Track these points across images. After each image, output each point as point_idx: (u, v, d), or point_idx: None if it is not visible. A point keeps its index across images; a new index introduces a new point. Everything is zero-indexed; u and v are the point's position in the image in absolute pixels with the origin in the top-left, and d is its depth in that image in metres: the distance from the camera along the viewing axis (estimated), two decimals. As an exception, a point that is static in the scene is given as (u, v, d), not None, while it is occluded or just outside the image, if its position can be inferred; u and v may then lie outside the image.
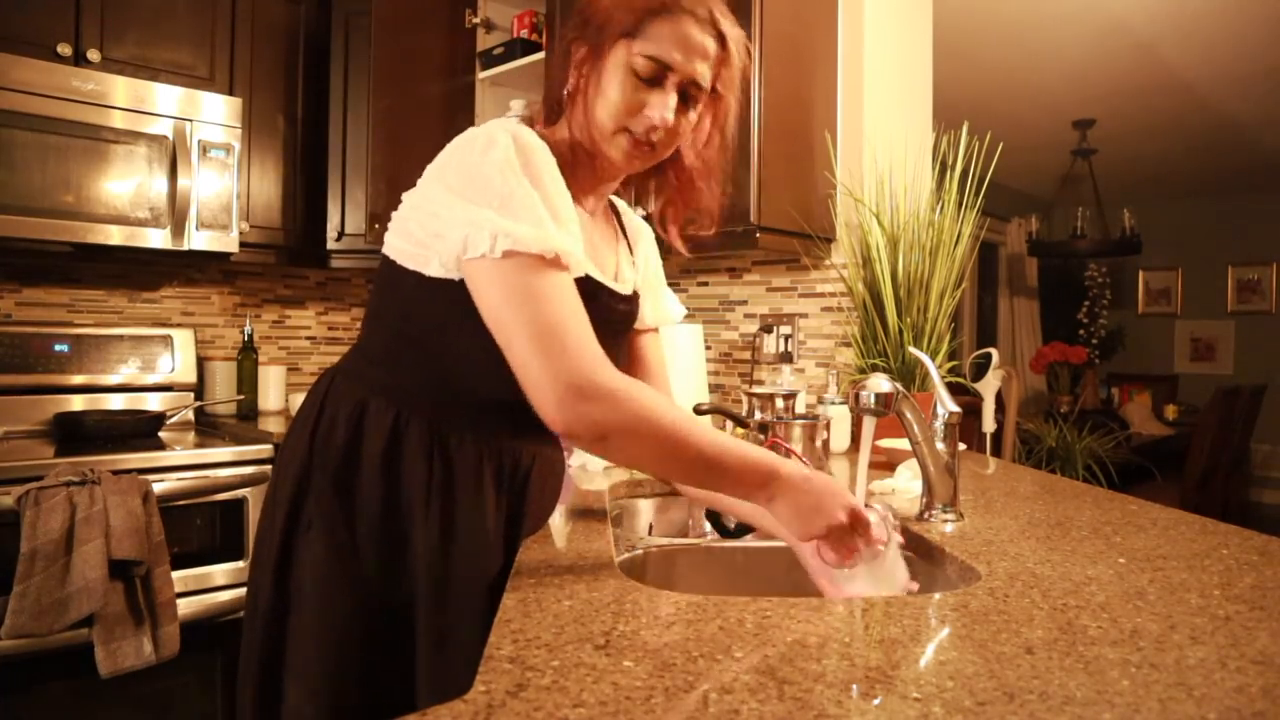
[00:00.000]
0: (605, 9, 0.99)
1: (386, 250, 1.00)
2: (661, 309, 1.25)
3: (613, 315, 1.08)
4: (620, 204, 1.23)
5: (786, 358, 2.30)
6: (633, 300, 1.15)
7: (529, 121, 1.04)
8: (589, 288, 0.98)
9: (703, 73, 1.00)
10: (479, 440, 1.00)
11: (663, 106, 0.98)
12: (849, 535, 0.94)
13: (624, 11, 0.98)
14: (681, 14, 0.98)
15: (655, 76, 0.97)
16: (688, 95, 1.00)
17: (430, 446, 0.98)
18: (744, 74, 1.07)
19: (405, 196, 1.00)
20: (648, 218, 1.20)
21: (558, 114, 1.06)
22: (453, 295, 0.93)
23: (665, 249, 1.22)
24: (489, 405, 0.99)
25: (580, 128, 1.02)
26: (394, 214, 1.02)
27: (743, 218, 1.99)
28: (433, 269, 0.94)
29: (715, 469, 0.91)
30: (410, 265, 0.96)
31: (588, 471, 1.61)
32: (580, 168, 1.05)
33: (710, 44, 0.99)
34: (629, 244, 1.20)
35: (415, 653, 0.96)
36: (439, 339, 0.98)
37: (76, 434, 2.27)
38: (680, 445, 0.89)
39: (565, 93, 1.04)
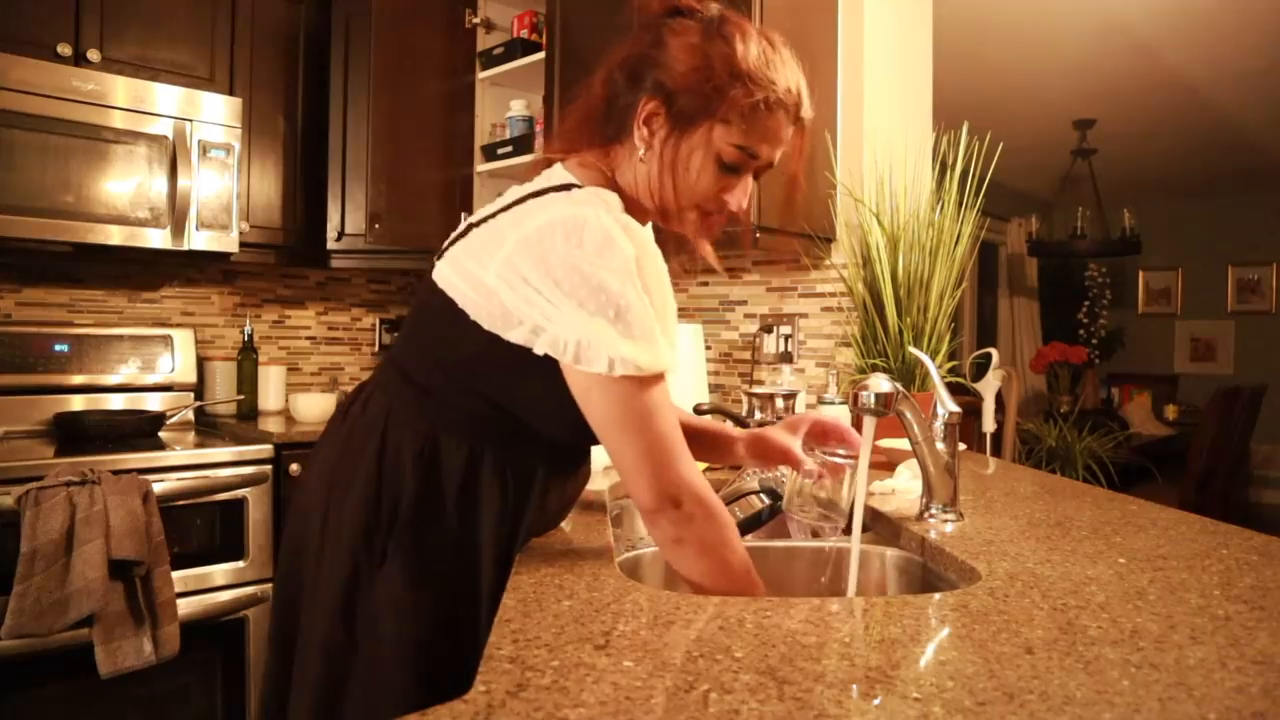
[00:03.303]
0: (694, 85, 0.94)
1: (446, 288, 0.96)
2: None
3: None
4: None
5: (786, 358, 2.30)
6: None
7: (606, 177, 1.01)
8: None
9: (780, 154, 1.01)
10: (548, 472, 1.03)
11: (744, 194, 0.99)
12: None
13: (720, 100, 0.94)
14: (778, 107, 0.96)
15: (741, 164, 0.97)
16: (758, 174, 1.01)
17: (504, 480, 1.00)
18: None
19: (481, 244, 0.95)
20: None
21: (605, 147, 1.03)
22: (530, 361, 0.91)
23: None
24: (559, 443, 1.02)
25: (648, 191, 1.00)
26: (455, 253, 0.98)
27: (742, 217, 1.99)
28: (514, 337, 0.91)
29: (743, 588, 0.94)
30: (484, 323, 0.92)
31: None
32: (639, 211, 1.02)
33: (790, 129, 0.99)
34: None
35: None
36: (508, 390, 0.97)
37: (76, 434, 2.27)
38: (735, 583, 0.93)
39: (620, 135, 1.00)
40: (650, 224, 1.09)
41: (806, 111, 0.99)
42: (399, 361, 1.04)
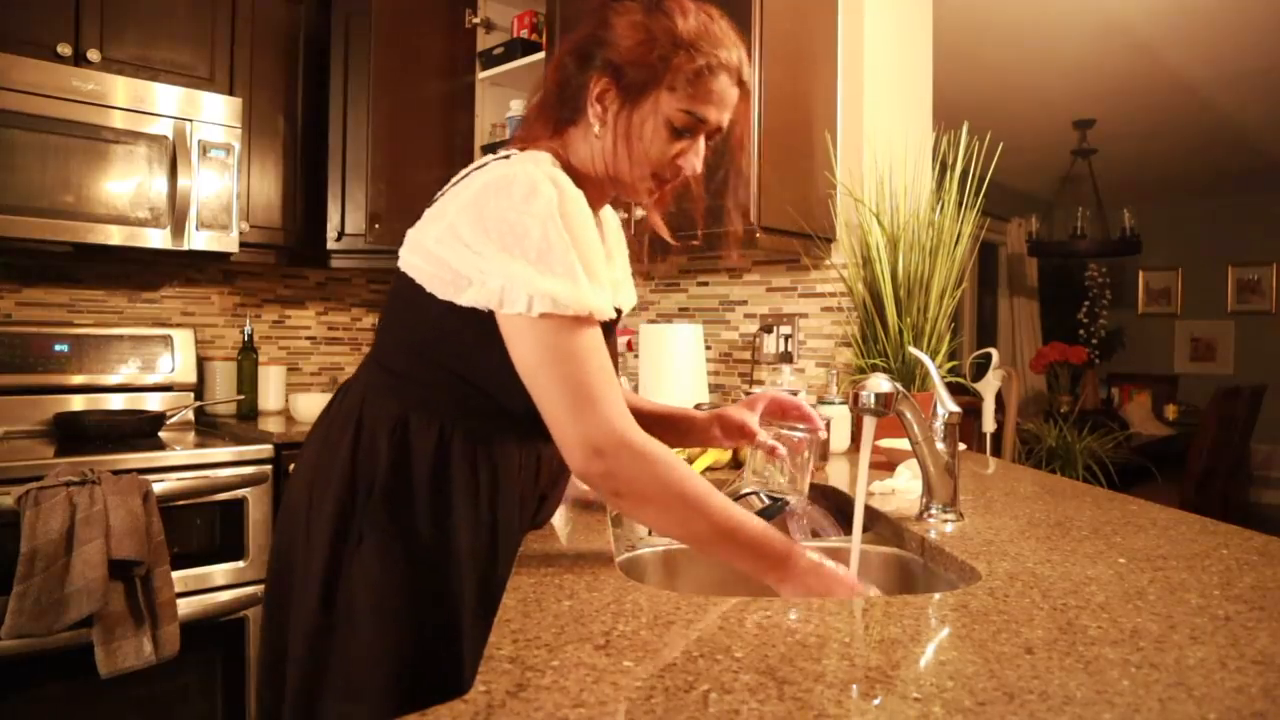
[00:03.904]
0: (640, 58, 0.99)
1: (406, 269, 1.00)
2: (627, 295, 1.24)
3: (613, 320, 1.10)
4: None
5: (786, 358, 2.30)
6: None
7: (558, 156, 1.04)
8: (614, 317, 1.01)
9: (728, 119, 1.05)
10: (520, 446, 1.04)
11: (696, 157, 1.03)
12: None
13: (665, 68, 0.99)
14: (720, 70, 1.01)
15: (690, 128, 1.01)
16: (709, 137, 1.05)
17: (475, 456, 1.01)
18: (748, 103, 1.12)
19: (429, 221, 1.00)
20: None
21: (559, 130, 1.07)
22: (486, 325, 0.94)
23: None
24: (526, 415, 1.00)
25: (605, 163, 1.04)
26: (411, 234, 1.02)
27: (743, 217, 1.99)
28: (465, 300, 0.94)
29: (726, 542, 0.92)
30: (439, 293, 0.96)
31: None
32: (594, 188, 1.07)
33: (735, 92, 1.03)
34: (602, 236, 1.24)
35: (462, 659, 0.98)
36: (471, 361, 0.99)
37: (76, 434, 2.27)
38: (692, 515, 0.91)
39: (574, 116, 1.05)
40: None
41: (747, 76, 1.05)
42: (375, 352, 1.08)
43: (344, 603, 0.98)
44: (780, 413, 1.23)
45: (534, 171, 0.93)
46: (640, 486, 0.90)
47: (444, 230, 0.95)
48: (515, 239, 0.90)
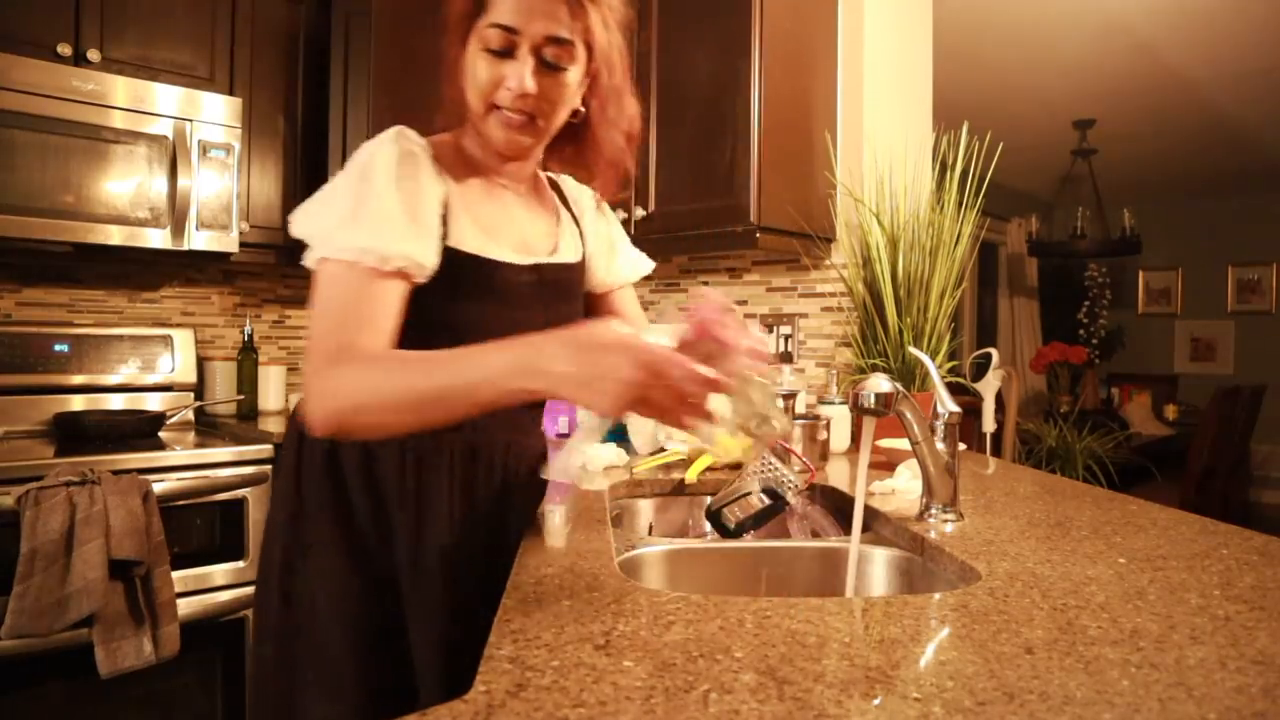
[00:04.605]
0: None
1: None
2: (616, 269, 1.30)
3: (533, 287, 1.11)
4: (563, 179, 1.28)
5: (786, 358, 2.30)
6: (574, 268, 1.20)
7: (451, 141, 1.08)
8: (478, 266, 1.03)
9: (558, 29, 0.99)
10: (442, 440, 1.05)
11: (519, 75, 0.99)
12: (674, 391, 0.74)
13: None
14: None
15: (508, 46, 0.98)
16: (552, 58, 1.00)
17: (401, 446, 1.03)
18: (622, 17, 1.07)
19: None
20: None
21: (460, 116, 1.09)
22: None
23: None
24: None
25: (454, 115, 1.06)
26: None
27: (743, 218, 1.99)
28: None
29: (454, 399, 0.83)
30: None
31: (588, 472, 1.61)
32: (482, 155, 1.10)
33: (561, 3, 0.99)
34: (573, 215, 1.25)
35: (409, 640, 1.01)
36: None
37: (76, 434, 2.27)
38: (400, 406, 0.85)
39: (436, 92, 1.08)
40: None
41: None
42: None
43: (303, 607, 1.02)
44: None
45: (379, 137, 1.01)
46: (337, 418, 0.86)
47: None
48: (326, 195, 0.99)
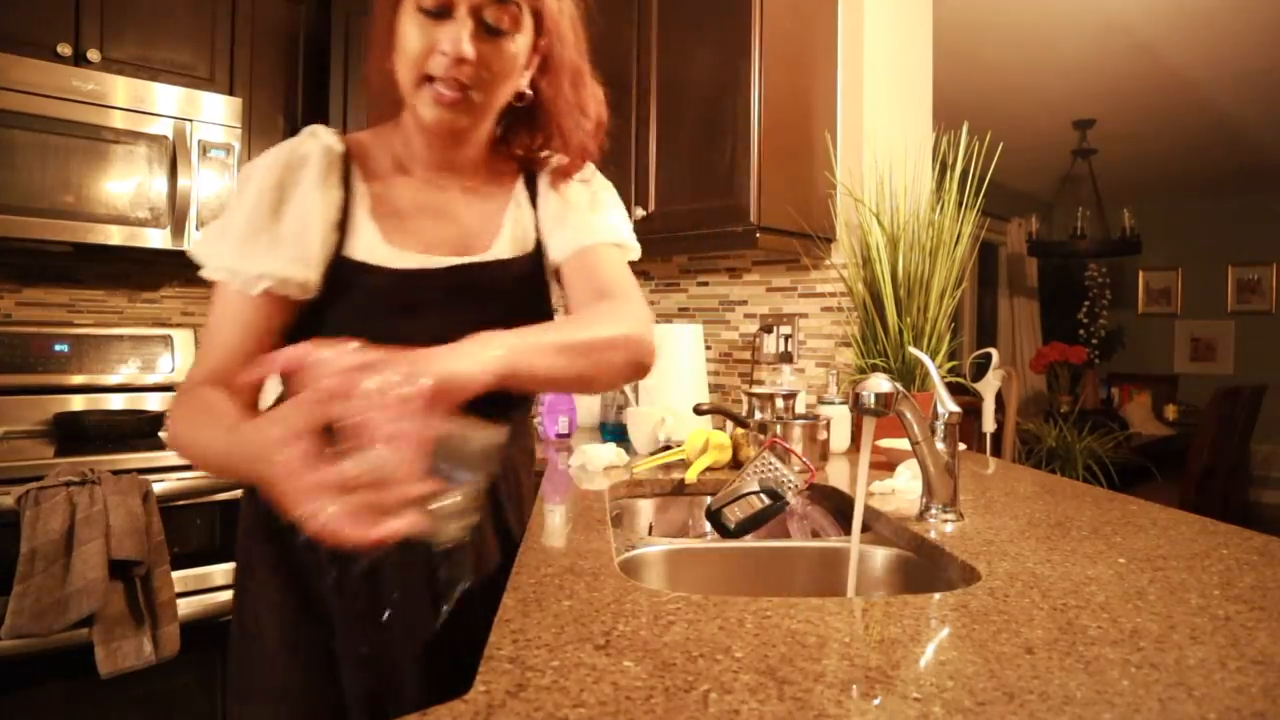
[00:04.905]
0: None
1: None
2: (570, 235, 1.06)
3: (442, 293, 0.99)
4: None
5: (786, 358, 2.30)
6: (509, 264, 1.04)
7: (391, 133, 1.02)
8: (370, 276, 0.96)
9: None
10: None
11: (454, 38, 0.89)
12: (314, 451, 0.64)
13: None
14: None
15: (442, 7, 0.89)
16: (493, 20, 0.91)
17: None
18: None
19: None
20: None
21: (392, 102, 0.99)
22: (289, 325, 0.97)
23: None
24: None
25: (384, 94, 0.97)
26: None
27: (742, 218, 1.99)
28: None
29: (240, 473, 0.80)
30: None
31: (588, 472, 1.61)
32: (415, 145, 1.01)
33: None
34: (532, 199, 1.09)
35: (338, 659, 1.00)
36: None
37: (76, 434, 2.27)
38: (207, 464, 0.88)
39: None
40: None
41: None
42: None
43: (252, 619, 1.02)
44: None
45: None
46: (180, 446, 0.88)
47: None
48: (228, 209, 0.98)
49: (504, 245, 1.05)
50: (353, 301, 0.96)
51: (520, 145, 1.08)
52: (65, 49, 2.21)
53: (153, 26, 2.37)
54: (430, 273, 0.99)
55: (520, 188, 1.09)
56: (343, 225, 0.97)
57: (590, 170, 1.11)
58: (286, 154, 0.96)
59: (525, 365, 0.79)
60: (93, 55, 2.25)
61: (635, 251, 1.11)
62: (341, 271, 0.96)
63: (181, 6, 2.43)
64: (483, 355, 0.75)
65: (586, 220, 1.07)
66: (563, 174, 1.08)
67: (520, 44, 0.94)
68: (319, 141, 0.98)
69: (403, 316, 0.97)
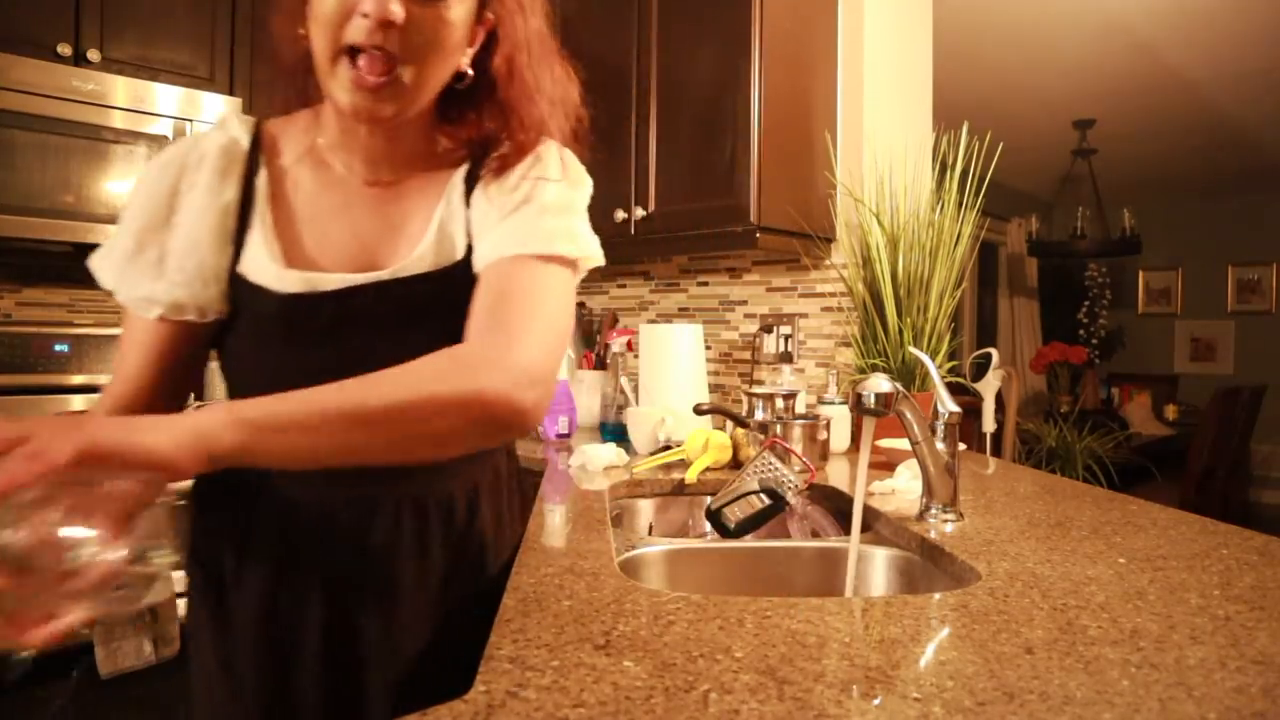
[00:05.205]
0: None
1: None
2: (493, 241, 0.85)
3: (332, 319, 0.85)
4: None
5: (786, 358, 2.30)
6: (418, 281, 0.87)
7: (311, 119, 0.90)
8: (256, 298, 0.84)
9: None
10: (298, 487, 0.94)
11: None
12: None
13: None
14: None
15: None
16: None
17: (252, 505, 0.96)
18: None
19: None
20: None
21: (302, 85, 0.88)
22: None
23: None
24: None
25: (296, 72, 0.84)
26: None
27: (742, 218, 1.99)
28: None
29: None
30: None
31: (588, 472, 1.61)
32: (332, 134, 0.87)
33: None
34: (468, 195, 0.90)
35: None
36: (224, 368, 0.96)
37: (76, 434, 2.27)
38: None
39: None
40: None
41: None
42: None
43: (197, 642, 1.00)
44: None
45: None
46: None
47: None
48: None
49: (423, 255, 0.87)
50: (247, 329, 0.86)
51: (466, 132, 0.91)
52: (65, 49, 2.21)
53: (153, 26, 2.38)
54: (318, 297, 0.84)
55: (458, 182, 0.90)
56: (239, 237, 0.84)
57: (543, 162, 0.90)
58: (184, 153, 0.85)
59: (273, 444, 0.64)
60: (93, 55, 2.25)
61: (585, 262, 0.89)
62: (238, 292, 0.84)
63: (181, 6, 2.43)
64: (174, 430, 0.60)
65: (516, 223, 0.85)
66: (502, 164, 0.88)
67: (460, 11, 0.80)
68: (222, 135, 0.86)
69: (299, 348, 0.84)
